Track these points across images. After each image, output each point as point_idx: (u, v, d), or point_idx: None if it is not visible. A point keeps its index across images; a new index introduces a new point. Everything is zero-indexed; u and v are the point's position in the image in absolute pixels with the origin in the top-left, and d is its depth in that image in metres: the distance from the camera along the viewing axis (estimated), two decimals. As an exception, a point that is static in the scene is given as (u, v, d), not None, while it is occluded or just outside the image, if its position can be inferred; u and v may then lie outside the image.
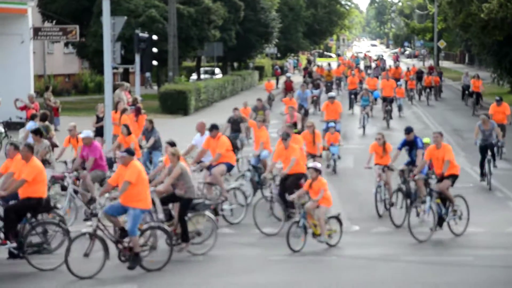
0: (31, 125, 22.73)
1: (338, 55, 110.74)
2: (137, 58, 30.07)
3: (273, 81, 48.38)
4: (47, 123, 22.66)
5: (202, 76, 60.55)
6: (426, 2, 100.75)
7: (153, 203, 15.49)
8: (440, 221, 16.85)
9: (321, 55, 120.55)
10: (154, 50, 31.58)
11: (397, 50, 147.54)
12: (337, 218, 16.34)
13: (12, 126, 29.28)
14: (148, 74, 58.84)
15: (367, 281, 13.89)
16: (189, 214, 15.52)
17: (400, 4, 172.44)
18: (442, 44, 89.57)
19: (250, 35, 63.79)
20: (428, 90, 50.04)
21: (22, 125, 26.95)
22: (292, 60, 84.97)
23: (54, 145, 21.56)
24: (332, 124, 25.51)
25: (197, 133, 20.05)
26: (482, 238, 17.08)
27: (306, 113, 33.07)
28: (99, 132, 25.85)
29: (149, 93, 51.55)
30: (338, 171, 24.99)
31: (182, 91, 41.94)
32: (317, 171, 16.18)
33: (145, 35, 31.30)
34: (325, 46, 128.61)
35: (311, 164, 16.86)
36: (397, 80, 51.53)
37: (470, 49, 73.13)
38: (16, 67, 33.35)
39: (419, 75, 54.36)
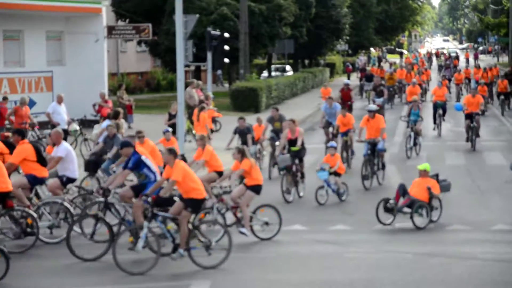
0: (106, 123, 23.04)
1: (401, 53, 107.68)
2: (209, 55, 30.27)
3: (330, 88, 39.22)
4: (119, 120, 22.92)
5: (273, 74, 60.60)
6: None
7: None
8: (176, 247, 14.27)
9: (390, 52, 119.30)
10: (226, 47, 31.73)
11: (466, 45, 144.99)
12: None
13: (86, 123, 29.73)
14: (219, 72, 59.15)
15: (443, 280, 13.67)
16: None
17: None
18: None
19: (321, 32, 63.59)
20: (502, 97, 40.75)
21: (96, 122, 27.32)
22: (370, 57, 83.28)
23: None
24: (333, 144, 21.22)
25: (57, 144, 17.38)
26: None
27: (335, 133, 25.96)
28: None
29: (220, 91, 51.83)
30: (406, 168, 24.57)
31: (253, 88, 42.02)
32: None
33: (217, 32, 31.51)
34: (396, 43, 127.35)
35: None
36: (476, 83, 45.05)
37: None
38: (90, 66, 33.87)
39: (510, 77, 43.81)
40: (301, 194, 20.75)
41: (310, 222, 18.08)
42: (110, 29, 35.85)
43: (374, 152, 22.34)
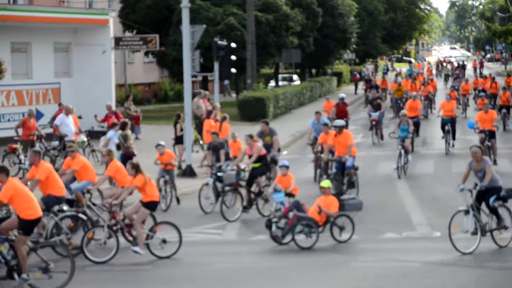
0: (111, 133, 23.16)
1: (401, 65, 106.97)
2: (216, 66, 30.32)
3: (333, 101, 33.70)
4: (127, 131, 23.02)
5: (280, 83, 60.64)
6: (508, 4, 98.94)
7: None
8: (10, 270, 13.36)
9: (399, 60, 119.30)
10: (233, 57, 31.79)
11: (462, 53, 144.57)
12: None
13: (94, 135, 29.82)
14: (226, 82, 59.22)
15: (449, 288, 13.70)
16: None
17: (481, 7, 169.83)
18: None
19: (328, 41, 63.60)
20: (504, 110, 37.27)
21: (104, 133, 27.43)
22: (378, 66, 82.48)
23: (132, 154, 21.82)
24: (285, 162, 19.00)
25: None
26: None
27: (320, 151, 23.52)
28: (179, 140, 26.24)
29: (227, 101, 51.91)
30: (413, 176, 24.46)
31: (260, 98, 42.08)
32: None
33: (224, 43, 31.52)
34: (404, 51, 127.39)
35: None
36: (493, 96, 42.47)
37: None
38: (98, 77, 33.98)
39: None
40: (265, 213, 19.36)
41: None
42: (118, 40, 35.97)
43: (344, 171, 20.96)
